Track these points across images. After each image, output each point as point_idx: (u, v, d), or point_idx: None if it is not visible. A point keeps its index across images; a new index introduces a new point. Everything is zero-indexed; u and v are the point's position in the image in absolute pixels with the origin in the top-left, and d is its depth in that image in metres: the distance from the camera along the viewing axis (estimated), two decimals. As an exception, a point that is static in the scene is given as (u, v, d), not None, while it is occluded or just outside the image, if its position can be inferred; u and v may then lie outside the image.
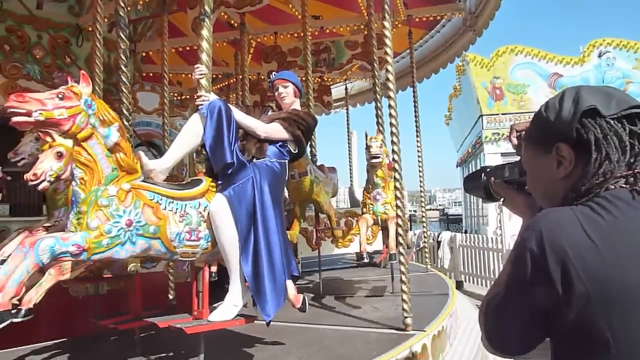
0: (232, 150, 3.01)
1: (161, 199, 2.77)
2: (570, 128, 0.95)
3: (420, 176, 7.45)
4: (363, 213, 5.16)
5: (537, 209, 1.06)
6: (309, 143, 6.19)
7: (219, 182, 3.04)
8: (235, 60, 7.61)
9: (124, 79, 3.92)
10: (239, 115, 3.19)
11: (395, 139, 4.10)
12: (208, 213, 2.90)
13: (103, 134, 2.64)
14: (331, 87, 10.77)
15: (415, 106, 7.52)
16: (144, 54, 8.23)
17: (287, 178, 3.45)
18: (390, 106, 4.16)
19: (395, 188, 4.13)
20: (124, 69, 3.93)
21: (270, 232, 3.01)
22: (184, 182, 3.07)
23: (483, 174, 1.33)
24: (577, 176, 0.95)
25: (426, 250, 7.92)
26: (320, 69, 7.97)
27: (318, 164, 6.06)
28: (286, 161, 3.35)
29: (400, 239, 4.11)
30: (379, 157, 4.90)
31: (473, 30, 8.25)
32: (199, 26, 3.37)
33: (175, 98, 9.21)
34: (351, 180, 10.93)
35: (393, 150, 4.12)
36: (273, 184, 3.16)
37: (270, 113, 3.59)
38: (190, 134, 3.02)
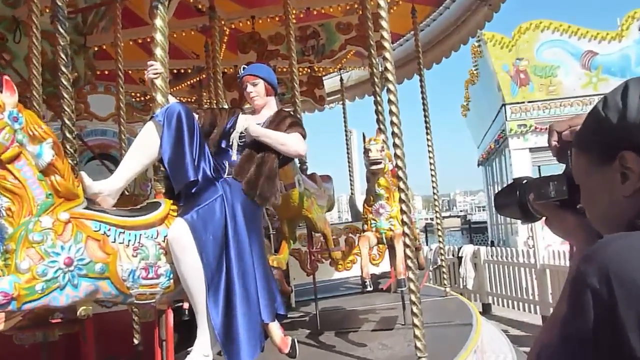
0: (196, 165, 2.95)
1: (109, 230, 2.70)
2: None
3: (432, 179, 7.38)
4: (364, 230, 5.07)
5: (595, 234, 1.01)
6: None
7: (181, 204, 2.97)
8: (206, 51, 7.53)
9: (64, 82, 3.82)
10: (266, 131, 3.29)
11: (397, 141, 4.02)
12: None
13: (34, 153, 2.56)
14: (323, 78, 10.71)
15: (423, 97, 7.45)
16: (96, 49, 8.12)
17: None
18: (390, 101, 4.07)
19: (401, 200, 4.04)
20: (64, 69, 3.83)
21: (245, 263, 2.97)
22: (137, 207, 2.97)
23: (518, 191, 1.27)
24: None
25: (444, 268, 7.82)
26: (308, 58, 7.92)
27: (308, 172, 6.00)
28: None
29: (409, 261, 4.01)
30: (380, 162, 4.82)
31: (489, 5, 8.19)
32: (152, 14, 3.28)
33: (136, 100, 9.10)
34: (352, 188, 10.85)
35: (395, 154, 4.04)
36: (249, 203, 3.11)
37: (242, 116, 3.52)
38: (144, 146, 2.98)
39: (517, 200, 1.25)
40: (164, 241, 2.84)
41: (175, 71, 9.93)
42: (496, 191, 1.32)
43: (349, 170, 11.12)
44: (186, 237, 2.80)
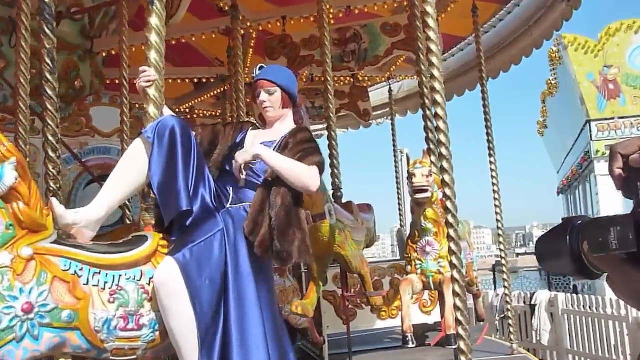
0: (193, 191, 2.89)
1: (81, 269, 2.63)
2: None
3: (496, 209, 7.16)
4: (407, 272, 4.92)
5: None
6: (333, 172, 6.13)
7: (173, 239, 2.89)
8: (229, 57, 7.57)
9: (49, 91, 3.84)
10: (273, 155, 3.13)
11: (446, 164, 3.87)
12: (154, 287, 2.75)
13: (-8, 176, 2.50)
14: (369, 89, 10.66)
15: (485, 111, 7.25)
16: (105, 54, 8.28)
17: None
18: (437, 116, 3.93)
19: (449, 238, 3.86)
20: (48, 76, 3.85)
21: (246, 315, 2.86)
22: (119, 242, 2.90)
23: (569, 236, 1.11)
24: None
25: (511, 319, 7.49)
26: (348, 65, 7.90)
27: (344, 200, 5.89)
28: None
29: (459, 314, 3.79)
30: (426, 190, 4.72)
31: (567, 1, 7.97)
32: (147, 12, 3.25)
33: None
34: (401, 220, 10.66)
35: (443, 181, 3.88)
36: None
37: (250, 133, 3.42)
38: (131, 169, 2.94)
39: (569, 248, 1.08)
40: (149, 284, 2.75)
41: (196, 80, 10.08)
42: None
43: (398, 199, 10.94)
44: (176, 281, 2.70)
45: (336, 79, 9.83)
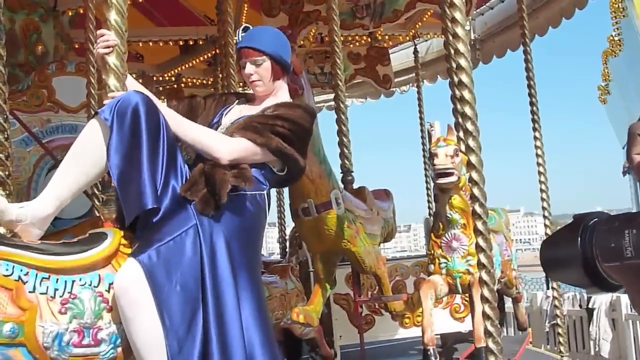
0: (162, 183, 2.91)
1: (26, 274, 2.64)
2: None
3: (542, 194, 7.18)
4: (430, 272, 4.93)
5: None
6: (342, 152, 6.10)
7: (137, 236, 2.93)
8: (218, 14, 7.54)
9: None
10: (177, 121, 3.09)
11: (472, 142, 3.85)
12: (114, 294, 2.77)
13: None
14: (390, 51, 10.63)
15: (529, 77, 7.25)
16: (71, 13, 8.32)
17: (264, 221, 3.29)
18: (461, 83, 3.90)
19: (477, 232, 3.83)
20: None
21: (227, 324, 2.87)
22: (73, 241, 2.94)
23: (580, 237, 1.09)
24: None
25: (561, 327, 7.50)
26: (361, 22, 7.85)
27: (356, 186, 5.89)
28: (264, 192, 3.23)
29: (488, 323, 3.79)
30: (451, 173, 4.71)
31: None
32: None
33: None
34: (430, 208, 10.64)
35: (469, 162, 3.87)
36: (238, 236, 3.05)
37: (235, 107, 3.42)
38: (85, 156, 2.94)
39: (580, 255, 1.08)
40: (108, 291, 2.77)
41: (182, 43, 10.10)
42: None
43: (426, 182, 10.90)
44: (140, 288, 2.71)
45: (350, 38, 9.84)
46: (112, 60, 3.13)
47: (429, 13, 9.12)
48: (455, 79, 4.30)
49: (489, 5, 10.23)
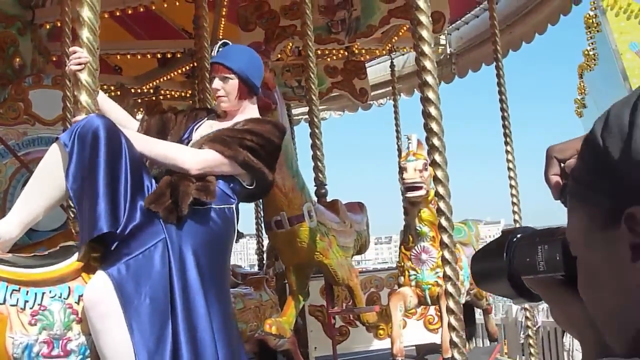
0: (126, 204, 2.96)
1: None
2: None
3: (514, 207, 7.23)
4: (400, 284, 4.99)
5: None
6: (316, 165, 6.16)
7: (107, 251, 2.96)
8: (195, 27, 7.58)
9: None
10: (141, 141, 3.16)
11: (438, 157, 3.98)
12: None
13: None
14: (367, 64, 10.66)
15: (500, 90, 7.32)
16: (49, 27, 8.33)
17: (233, 234, 3.37)
18: (427, 100, 4.01)
19: (443, 245, 3.93)
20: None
21: (199, 337, 2.93)
22: (44, 254, 2.99)
23: (506, 252, 1.13)
24: None
25: (531, 337, 7.56)
26: (336, 37, 7.89)
27: (330, 199, 5.93)
28: (233, 206, 3.29)
29: (454, 335, 3.88)
30: (420, 187, 4.77)
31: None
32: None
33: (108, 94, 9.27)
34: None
35: (435, 177, 3.98)
36: (206, 249, 3.11)
37: (206, 122, 3.50)
38: (47, 179, 3.01)
39: (507, 268, 1.12)
40: (78, 303, 2.83)
41: (160, 55, 10.11)
42: None
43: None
44: (109, 301, 2.77)
45: (327, 52, 9.85)
46: (84, 77, 3.17)
47: (404, 27, 9.16)
48: (424, 95, 4.40)
49: (464, 20, 10.28)
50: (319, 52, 9.22)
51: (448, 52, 10.65)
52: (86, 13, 3.27)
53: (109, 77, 10.54)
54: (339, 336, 6.71)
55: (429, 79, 4.02)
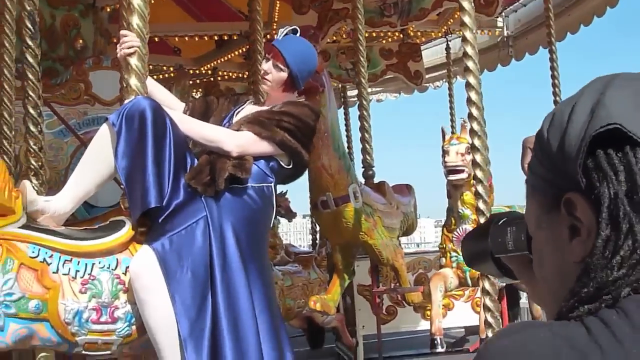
0: (170, 181, 3.05)
1: (51, 256, 2.84)
2: (577, 166, 0.84)
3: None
4: (441, 265, 5.03)
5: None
6: (364, 147, 6.20)
7: (152, 226, 3.08)
8: (250, 10, 7.63)
9: (30, 59, 4.05)
10: (186, 123, 3.25)
11: (477, 142, 3.99)
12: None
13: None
14: (423, 46, 10.58)
15: (553, 75, 7.23)
16: (109, 9, 8.52)
17: (272, 212, 3.44)
18: (468, 85, 4.05)
19: (480, 226, 3.97)
20: (29, 42, 4.06)
21: (239, 308, 3.02)
22: (94, 227, 3.13)
23: (490, 237, 1.24)
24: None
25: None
26: (389, 20, 7.85)
27: (377, 180, 5.99)
28: (271, 185, 3.36)
29: (489, 315, 3.93)
30: (462, 170, 4.79)
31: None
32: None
33: (161, 76, 9.46)
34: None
35: (474, 162, 4.00)
36: (246, 227, 3.19)
37: (247, 107, 3.59)
38: (97, 158, 3.13)
39: (490, 250, 1.20)
40: (125, 274, 2.95)
41: (217, 37, 10.22)
42: None
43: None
44: (153, 274, 2.88)
45: (382, 34, 9.80)
46: (134, 61, 3.28)
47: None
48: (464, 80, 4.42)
49: (522, 2, 10.10)
50: (374, 34, 9.23)
51: (505, 34, 10.49)
52: (136, 0, 3.40)
53: (168, 59, 10.70)
54: (386, 316, 6.70)
55: (470, 64, 4.04)
